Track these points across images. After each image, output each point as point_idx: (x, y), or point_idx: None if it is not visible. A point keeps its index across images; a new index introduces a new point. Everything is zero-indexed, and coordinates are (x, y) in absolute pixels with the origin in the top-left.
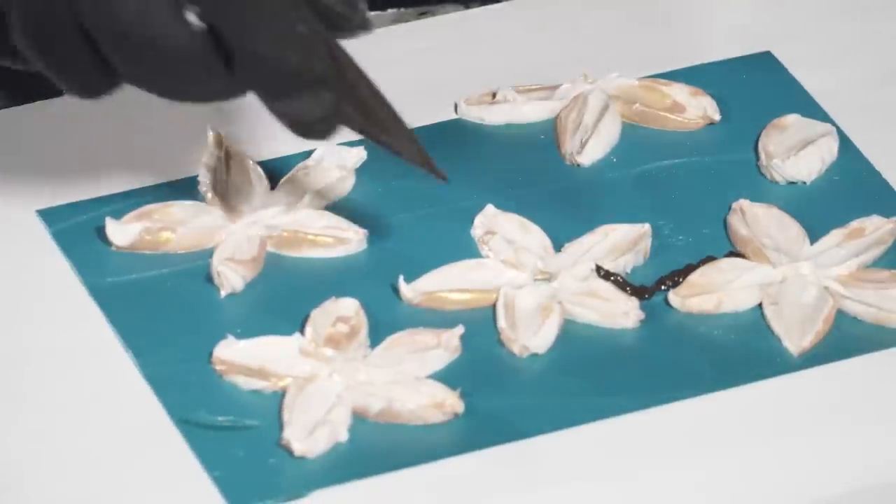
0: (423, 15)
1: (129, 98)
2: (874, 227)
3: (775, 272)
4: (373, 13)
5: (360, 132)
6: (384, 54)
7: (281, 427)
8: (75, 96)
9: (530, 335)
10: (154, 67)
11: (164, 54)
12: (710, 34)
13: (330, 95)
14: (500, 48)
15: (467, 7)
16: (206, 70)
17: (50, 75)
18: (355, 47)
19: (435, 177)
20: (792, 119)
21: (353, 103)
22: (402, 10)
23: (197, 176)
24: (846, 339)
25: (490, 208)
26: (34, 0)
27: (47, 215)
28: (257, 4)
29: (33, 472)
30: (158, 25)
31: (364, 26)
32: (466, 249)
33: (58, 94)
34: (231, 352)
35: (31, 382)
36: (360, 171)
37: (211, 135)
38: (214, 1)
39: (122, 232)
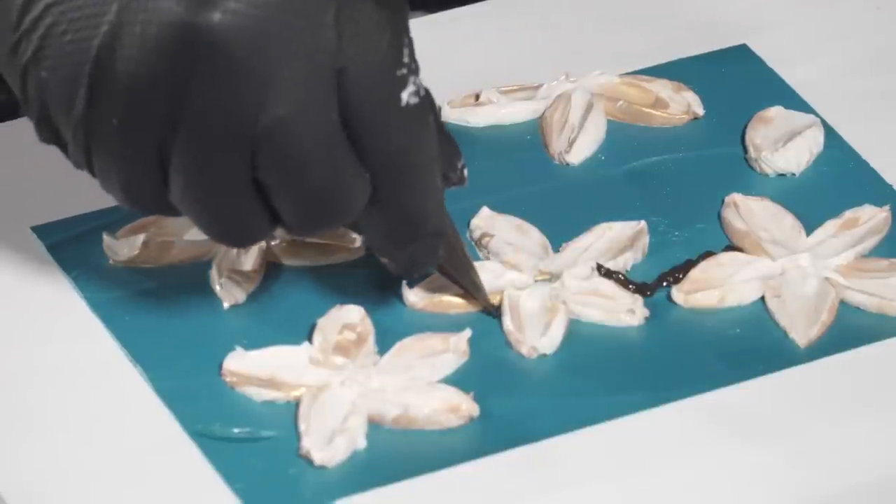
0: None
1: None
2: (868, 216)
3: (775, 265)
4: None
5: (441, 270)
6: None
7: (298, 437)
8: (229, 245)
9: (538, 336)
10: (329, 220)
11: (344, 210)
12: (685, 29)
13: (440, 244)
14: (480, 49)
15: (432, 13)
16: (357, 215)
17: (206, 226)
18: None
19: (485, 306)
20: (775, 111)
21: (447, 249)
22: None
23: None
24: (850, 329)
25: (485, 210)
26: (207, 159)
27: (42, 231)
28: (412, 159)
29: (50, 494)
30: (346, 183)
31: (460, 183)
32: None
33: None
34: (240, 363)
35: (41, 402)
36: None
37: None
38: (383, 157)
39: (122, 245)
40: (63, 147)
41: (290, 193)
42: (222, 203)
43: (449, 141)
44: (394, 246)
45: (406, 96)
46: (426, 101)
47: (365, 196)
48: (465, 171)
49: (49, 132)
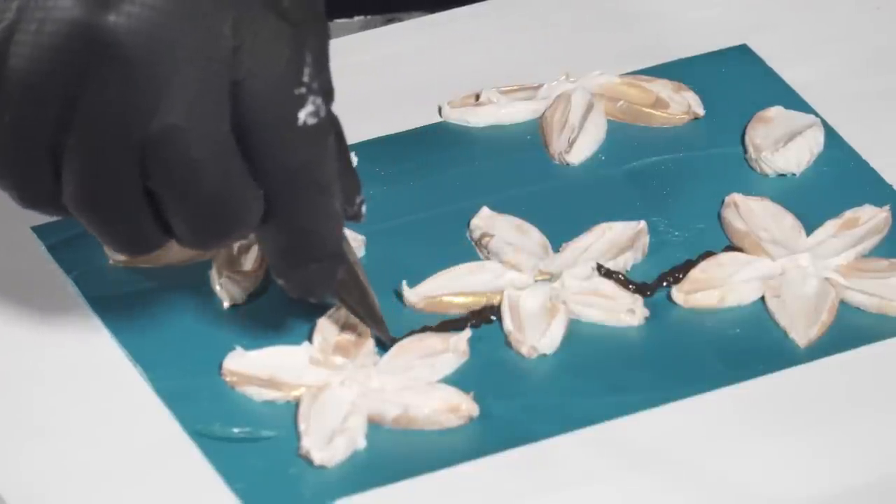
0: (389, 21)
1: None
2: (868, 216)
3: (775, 265)
4: (340, 21)
5: (339, 297)
6: (362, 59)
7: (298, 437)
8: (121, 253)
9: (538, 336)
10: (220, 234)
11: (235, 224)
12: (685, 29)
13: (337, 269)
14: (479, 50)
15: (432, 13)
16: (250, 231)
17: (97, 232)
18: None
19: (383, 338)
20: (775, 111)
21: (347, 276)
22: (369, 17)
23: None
24: (850, 329)
25: (485, 210)
26: (97, 163)
27: (42, 231)
28: (306, 179)
29: (51, 495)
30: (238, 197)
31: (356, 218)
32: (463, 252)
33: None
34: (240, 363)
35: (40, 402)
36: None
37: None
38: (277, 175)
39: None
40: None
41: (179, 203)
42: (112, 209)
43: (351, 174)
44: (287, 266)
45: (303, 116)
46: (326, 123)
47: (258, 212)
48: (364, 208)
49: None
